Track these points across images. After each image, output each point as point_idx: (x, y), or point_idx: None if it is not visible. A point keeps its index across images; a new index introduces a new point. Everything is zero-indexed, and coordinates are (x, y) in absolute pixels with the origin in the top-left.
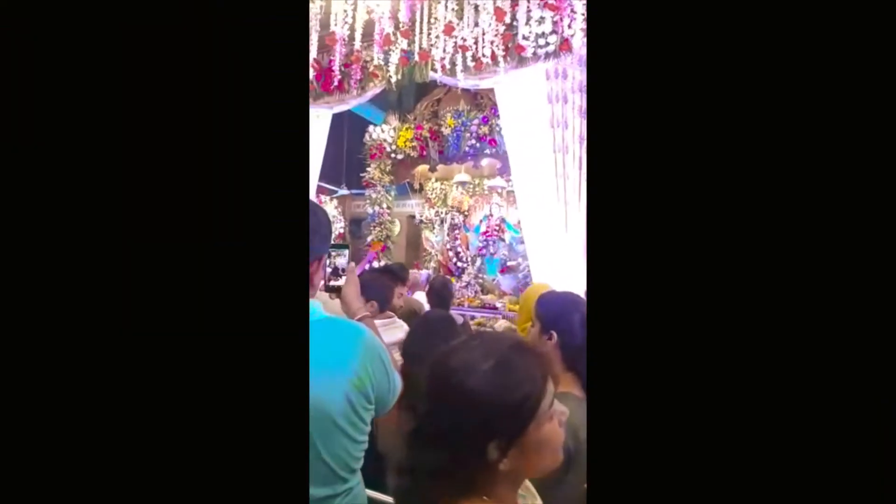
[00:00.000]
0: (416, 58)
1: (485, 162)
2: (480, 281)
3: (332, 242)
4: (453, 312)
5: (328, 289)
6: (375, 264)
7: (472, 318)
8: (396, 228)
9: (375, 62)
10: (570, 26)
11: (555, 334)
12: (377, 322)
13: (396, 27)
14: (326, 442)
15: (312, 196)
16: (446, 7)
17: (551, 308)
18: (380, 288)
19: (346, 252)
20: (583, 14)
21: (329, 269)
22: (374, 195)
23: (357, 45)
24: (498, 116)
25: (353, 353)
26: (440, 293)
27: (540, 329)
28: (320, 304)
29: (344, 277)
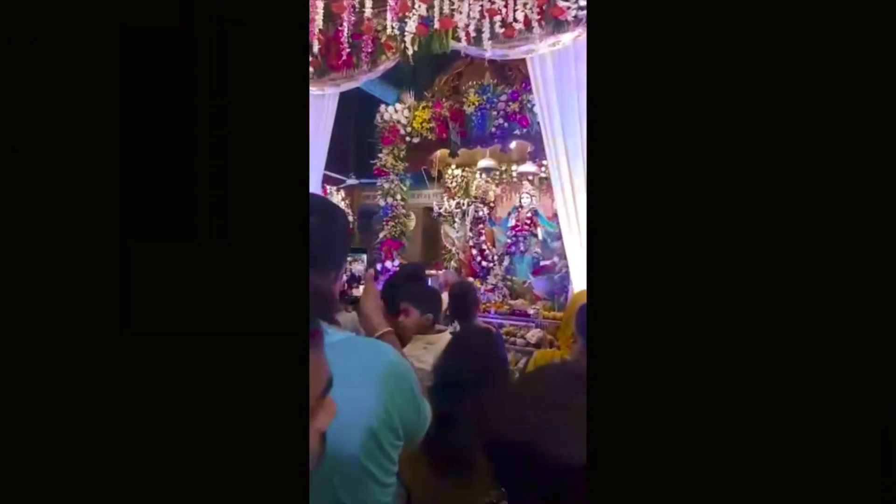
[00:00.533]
0: (437, 25)
1: (514, 145)
2: (509, 283)
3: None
4: (480, 320)
5: (343, 300)
6: (389, 264)
7: (501, 325)
8: (412, 223)
9: (389, 32)
10: None
11: None
12: (431, 336)
13: None
14: (351, 488)
15: (318, 188)
16: None
17: None
18: (433, 298)
19: (364, 257)
20: None
21: (345, 277)
22: (386, 185)
23: (368, 12)
24: (529, 91)
25: (379, 380)
26: (461, 301)
27: (583, 345)
28: (338, 322)
29: (362, 287)
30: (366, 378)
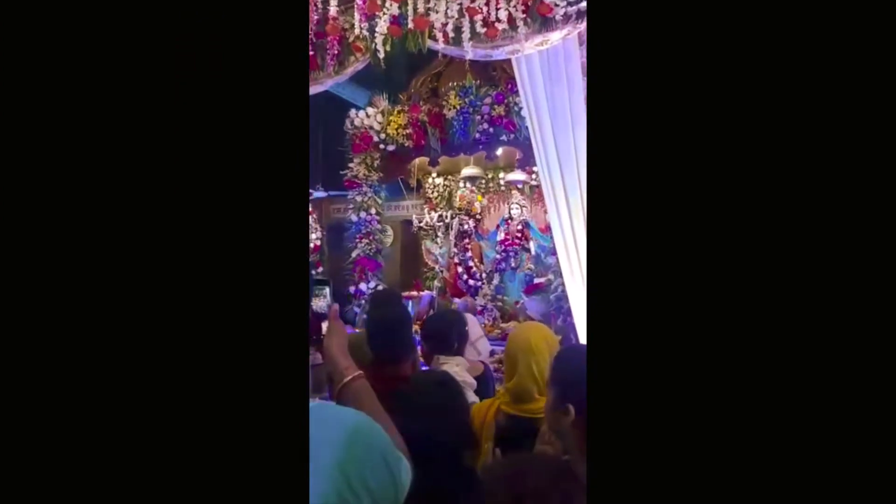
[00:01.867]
0: (411, 25)
1: (500, 151)
2: (499, 304)
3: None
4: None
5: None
6: (364, 287)
7: (493, 353)
8: (389, 239)
9: (357, 32)
10: None
11: (572, 408)
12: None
13: None
14: None
15: None
16: None
17: (577, 370)
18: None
19: (327, 290)
20: None
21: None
22: (358, 198)
23: (332, 10)
24: (516, 93)
25: (342, 451)
26: (442, 334)
27: (555, 400)
28: None
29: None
30: (328, 451)
